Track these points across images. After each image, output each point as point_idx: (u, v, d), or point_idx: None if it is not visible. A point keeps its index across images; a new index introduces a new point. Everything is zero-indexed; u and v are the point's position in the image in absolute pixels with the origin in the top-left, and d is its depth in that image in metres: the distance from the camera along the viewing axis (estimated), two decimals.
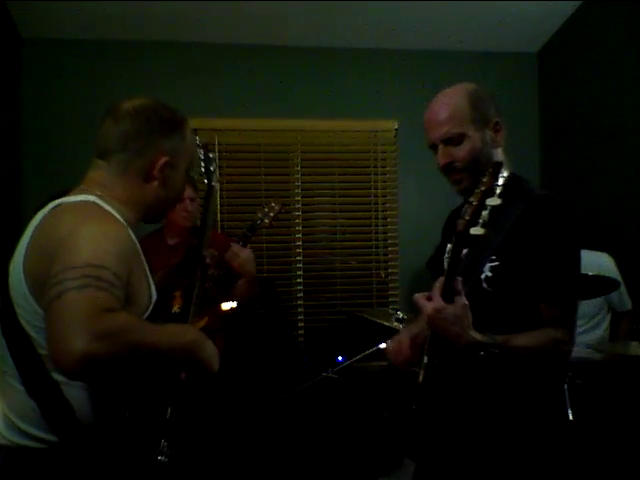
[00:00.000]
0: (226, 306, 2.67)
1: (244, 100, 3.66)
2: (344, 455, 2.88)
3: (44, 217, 1.24)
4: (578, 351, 1.56)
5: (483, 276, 1.48)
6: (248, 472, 2.77)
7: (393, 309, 3.36)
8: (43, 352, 1.19)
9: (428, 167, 3.88)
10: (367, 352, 2.91)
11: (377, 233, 3.88)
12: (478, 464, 1.48)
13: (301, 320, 3.76)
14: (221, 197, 3.66)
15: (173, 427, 1.56)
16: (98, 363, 1.02)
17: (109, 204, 1.29)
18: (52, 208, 1.25)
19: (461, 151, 1.52)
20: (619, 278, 2.90)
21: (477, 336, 1.35)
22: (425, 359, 1.46)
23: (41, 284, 1.14)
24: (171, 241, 2.69)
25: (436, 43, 3.74)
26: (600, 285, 2.69)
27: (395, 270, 3.85)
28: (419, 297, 1.40)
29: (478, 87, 1.59)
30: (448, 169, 1.56)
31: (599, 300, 2.98)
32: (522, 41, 3.80)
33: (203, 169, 2.16)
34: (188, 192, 2.63)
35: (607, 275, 2.78)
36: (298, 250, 3.79)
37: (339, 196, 3.82)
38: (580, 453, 2.00)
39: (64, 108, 3.48)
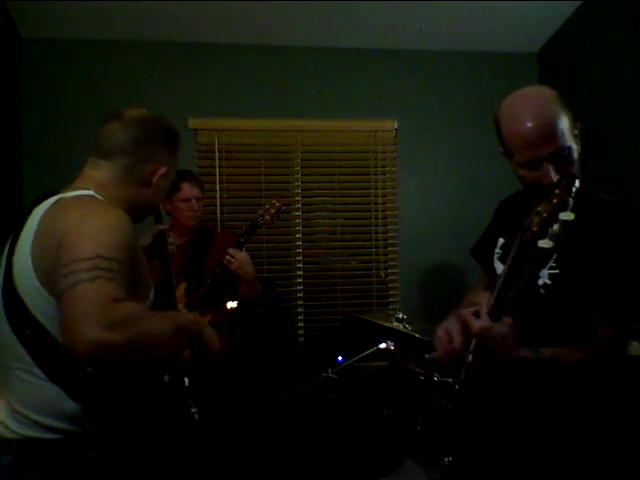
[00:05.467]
0: (227, 306, 2.70)
1: (244, 100, 3.66)
2: (344, 455, 2.88)
3: (46, 212, 1.28)
4: None
5: (541, 282, 1.44)
6: (248, 472, 2.77)
7: (393, 309, 3.36)
8: (60, 339, 1.22)
9: (428, 167, 3.92)
10: (367, 352, 2.91)
11: (377, 233, 3.87)
12: (520, 463, 1.47)
13: (301, 320, 3.76)
14: (221, 197, 3.66)
15: (196, 393, 1.73)
16: (111, 350, 1.08)
17: (105, 200, 1.35)
18: (53, 203, 1.30)
19: (569, 165, 1.41)
20: None
21: (524, 353, 1.35)
22: (470, 357, 1.45)
23: (50, 273, 1.19)
24: (177, 240, 2.70)
25: (436, 43, 3.74)
26: None
27: (395, 270, 3.84)
28: (467, 313, 1.38)
29: (555, 90, 1.48)
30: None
31: None
32: (522, 41, 3.79)
33: None
34: (194, 192, 2.65)
35: None
36: (298, 250, 3.79)
37: (339, 196, 3.82)
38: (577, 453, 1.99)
39: (64, 108, 3.48)
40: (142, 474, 1.41)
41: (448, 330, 1.52)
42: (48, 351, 1.24)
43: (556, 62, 3.79)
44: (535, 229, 1.23)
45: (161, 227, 2.11)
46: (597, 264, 1.38)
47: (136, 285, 1.29)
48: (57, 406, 1.27)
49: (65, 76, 3.51)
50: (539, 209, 1.24)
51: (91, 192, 1.34)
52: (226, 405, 2.58)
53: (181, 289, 2.54)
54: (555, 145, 1.37)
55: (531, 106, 1.41)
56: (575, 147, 1.42)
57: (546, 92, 1.45)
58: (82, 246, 1.16)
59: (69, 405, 1.27)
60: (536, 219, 1.23)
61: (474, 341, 1.43)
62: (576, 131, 1.44)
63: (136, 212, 1.44)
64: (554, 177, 1.37)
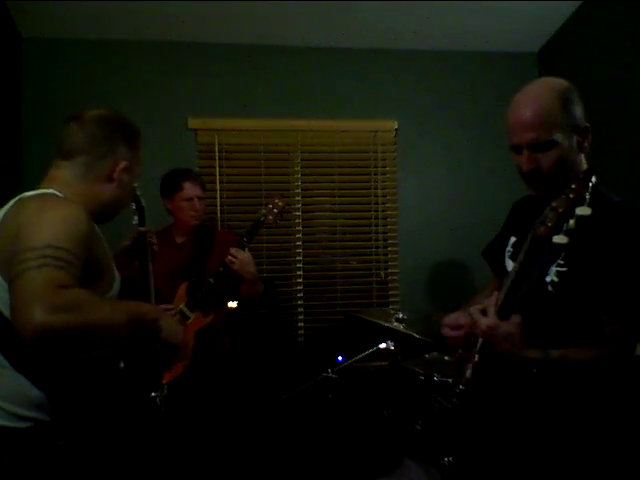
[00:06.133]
0: (227, 305, 2.70)
1: (244, 100, 3.66)
2: (344, 455, 2.88)
3: (7, 211, 1.36)
4: None
5: (548, 279, 1.44)
6: (248, 472, 2.77)
7: (393, 309, 3.36)
8: None
9: (428, 167, 3.92)
10: (367, 352, 2.91)
11: (377, 233, 3.87)
12: (524, 464, 1.47)
13: (301, 320, 3.76)
14: (221, 197, 3.66)
15: (160, 382, 1.83)
16: (54, 333, 1.14)
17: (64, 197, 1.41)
18: (14, 203, 1.38)
19: (548, 158, 1.43)
20: None
21: (531, 354, 1.34)
22: (476, 357, 1.45)
23: (8, 265, 1.25)
24: (179, 239, 2.72)
25: (436, 43, 3.74)
26: None
27: (395, 270, 3.84)
28: (474, 311, 1.39)
29: (570, 85, 1.50)
30: (531, 175, 1.46)
31: None
32: (522, 41, 3.80)
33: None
34: (196, 191, 2.66)
35: None
36: (298, 250, 3.79)
37: (339, 196, 3.82)
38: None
39: (64, 108, 3.46)
40: (108, 463, 1.49)
41: (455, 316, 1.59)
42: (12, 341, 1.29)
43: (556, 62, 3.79)
44: (550, 224, 1.22)
45: (141, 229, 2.15)
46: (605, 264, 1.37)
47: (96, 276, 1.36)
48: (24, 394, 1.33)
49: (65, 76, 3.51)
50: (554, 204, 1.23)
51: (51, 191, 1.40)
52: (225, 404, 2.59)
53: (182, 288, 2.55)
54: (533, 135, 1.42)
55: (526, 95, 1.47)
56: (566, 142, 1.44)
57: (553, 84, 1.49)
58: (34, 236, 1.22)
59: (34, 393, 1.33)
60: (551, 214, 1.22)
61: (480, 340, 1.42)
62: (580, 129, 1.47)
63: (102, 210, 1.50)
64: (526, 166, 1.44)
